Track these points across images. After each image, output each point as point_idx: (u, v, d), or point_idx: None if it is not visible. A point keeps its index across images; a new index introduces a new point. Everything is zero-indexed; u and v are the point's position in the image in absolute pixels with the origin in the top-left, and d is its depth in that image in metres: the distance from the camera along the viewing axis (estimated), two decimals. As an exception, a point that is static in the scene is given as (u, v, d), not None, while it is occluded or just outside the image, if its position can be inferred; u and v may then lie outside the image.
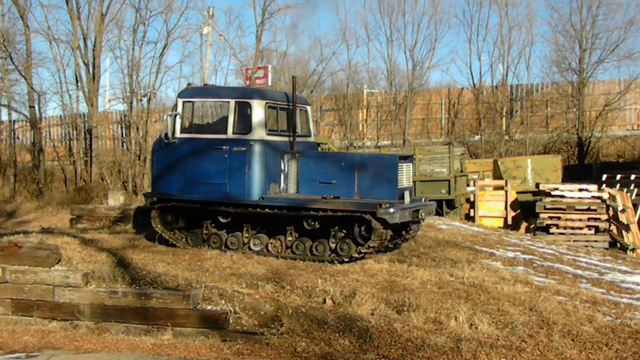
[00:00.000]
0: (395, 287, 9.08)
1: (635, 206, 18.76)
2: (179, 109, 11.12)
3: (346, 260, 10.30)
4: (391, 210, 9.89)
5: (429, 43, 32.85)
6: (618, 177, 21.14)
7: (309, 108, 12.12)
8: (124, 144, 30.67)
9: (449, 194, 18.20)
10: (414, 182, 15.78)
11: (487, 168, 22.02)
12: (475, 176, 20.64)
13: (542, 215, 17.42)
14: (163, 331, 8.18)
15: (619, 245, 17.22)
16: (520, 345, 7.30)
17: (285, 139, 11.18)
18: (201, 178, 10.85)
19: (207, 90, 11.87)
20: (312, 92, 32.32)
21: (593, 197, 17.48)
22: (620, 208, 17.64)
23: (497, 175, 21.46)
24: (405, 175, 10.69)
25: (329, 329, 7.67)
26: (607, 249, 16.52)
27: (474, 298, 8.72)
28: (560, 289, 9.65)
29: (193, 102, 11.23)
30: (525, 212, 18.85)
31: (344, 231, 10.48)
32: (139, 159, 28.13)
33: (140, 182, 27.64)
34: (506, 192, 19.12)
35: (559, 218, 17.32)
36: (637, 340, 7.60)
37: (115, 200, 15.79)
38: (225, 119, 10.85)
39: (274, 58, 34.84)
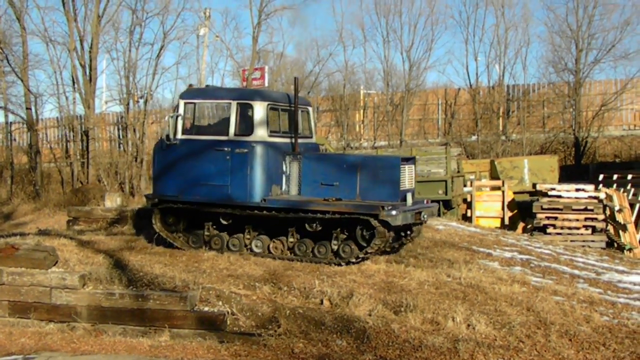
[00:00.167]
0: (393, 287, 9.08)
1: (632, 206, 18.77)
2: (181, 110, 11.10)
3: (348, 262, 10.27)
4: (393, 212, 9.87)
5: (425, 44, 32.99)
6: (615, 177, 21.15)
7: (310, 109, 12.11)
8: (121, 146, 30.68)
9: (446, 194, 18.20)
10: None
11: (484, 168, 22.03)
12: (472, 176, 20.65)
13: (539, 216, 17.42)
14: (160, 333, 8.17)
15: (616, 245, 17.23)
16: (517, 345, 7.30)
17: (287, 140, 11.16)
18: (202, 179, 10.83)
19: (208, 92, 11.83)
20: (309, 93, 32.33)
21: (590, 197, 17.49)
22: (617, 208, 17.66)
23: (494, 175, 21.48)
24: (408, 176, 10.67)
25: (327, 330, 7.67)
26: (604, 249, 16.52)
27: (471, 298, 8.73)
28: (558, 289, 9.66)
29: (195, 104, 11.21)
30: (522, 213, 18.85)
31: (346, 233, 10.45)
32: (136, 161, 28.13)
33: (137, 184, 27.64)
34: (503, 192, 19.12)
35: (556, 218, 17.32)
36: (634, 340, 7.61)
37: (112, 201, 15.77)
38: (226, 120, 10.84)
39: (271, 59, 34.91)
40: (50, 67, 30.73)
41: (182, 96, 11.41)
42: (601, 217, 17.23)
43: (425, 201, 11.35)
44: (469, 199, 19.22)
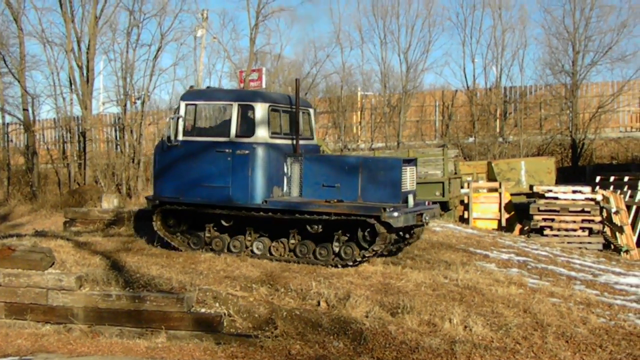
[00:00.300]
0: (390, 289, 9.08)
1: (628, 208, 18.81)
2: (182, 111, 11.08)
3: (350, 264, 10.26)
4: (395, 214, 9.86)
5: (422, 45, 32.95)
6: (611, 178, 21.19)
7: (311, 110, 12.09)
8: (118, 147, 30.62)
9: (443, 196, 18.20)
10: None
11: (481, 170, 22.04)
12: (469, 178, 20.67)
13: (536, 217, 17.45)
14: (157, 334, 8.16)
15: (612, 246, 17.27)
16: (514, 347, 7.30)
17: (288, 141, 11.15)
18: (204, 181, 10.81)
19: (209, 93, 11.80)
20: (306, 94, 32.31)
21: (587, 198, 17.52)
22: (613, 210, 17.68)
23: (491, 177, 21.49)
24: (409, 178, 10.65)
25: (323, 331, 7.67)
26: (600, 250, 16.55)
27: (468, 300, 8.73)
28: (554, 291, 9.67)
29: (196, 105, 11.20)
30: (519, 214, 18.87)
31: (347, 235, 10.43)
32: (133, 162, 28.09)
33: (134, 185, 27.59)
34: (500, 194, 19.15)
35: (552, 220, 17.35)
36: (631, 341, 7.62)
37: (109, 203, 15.75)
38: (228, 122, 10.82)
39: (268, 61, 34.88)
40: (48, 68, 30.82)
41: (182, 97, 11.39)
42: (598, 218, 17.26)
43: (426, 203, 11.34)
44: (466, 201, 19.24)
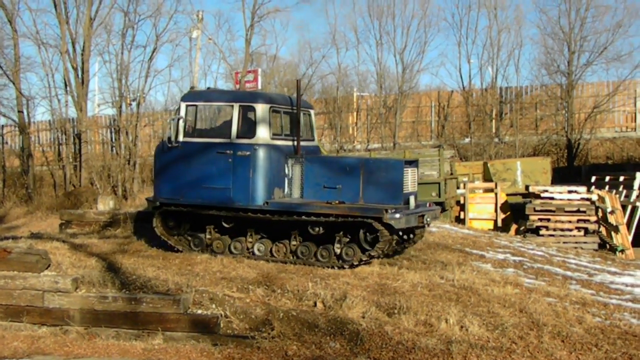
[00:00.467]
0: (386, 290, 9.09)
1: (624, 207, 18.87)
2: (182, 112, 11.04)
3: (350, 265, 10.24)
4: (397, 215, 9.85)
5: (418, 46, 33.00)
6: (607, 178, 21.27)
7: (312, 112, 12.07)
8: (114, 149, 30.60)
9: (439, 196, 18.23)
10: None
11: (477, 170, 22.10)
12: (465, 179, 20.71)
13: (531, 217, 17.50)
14: (154, 336, 8.15)
15: (608, 246, 17.32)
16: (510, 346, 7.32)
17: (289, 143, 11.12)
18: (204, 182, 10.77)
19: (210, 94, 11.76)
20: (302, 95, 32.32)
21: (582, 198, 17.57)
22: (609, 209, 17.74)
23: (487, 177, 21.54)
24: (411, 179, 10.63)
25: (320, 332, 7.67)
26: (596, 250, 16.60)
27: (464, 300, 8.75)
28: (550, 291, 9.69)
29: (196, 106, 11.17)
30: (515, 214, 18.92)
31: (349, 236, 10.41)
32: (129, 164, 28.07)
33: (130, 187, 27.57)
34: (496, 194, 19.18)
35: (548, 220, 17.40)
36: (626, 340, 7.64)
37: (105, 205, 15.73)
38: (229, 123, 10.79)
39: (264, 62, 34.91)
40: (42, 69, 30.62)
41: (183, 98, 11.37)
42: (593, 218, 17.32)
43: (427, 204, 11.34)
44: (462, 201, 19.28)
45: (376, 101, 33.32)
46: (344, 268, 10.24)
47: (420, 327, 7.76)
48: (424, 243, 12.57)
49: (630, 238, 18.20)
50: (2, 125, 34.07)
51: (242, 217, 10.74)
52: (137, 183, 27.81)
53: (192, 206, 11.00)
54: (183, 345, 7.94)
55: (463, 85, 31.97)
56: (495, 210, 19.10)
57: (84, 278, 8.94)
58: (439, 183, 18.33)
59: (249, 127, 10.71)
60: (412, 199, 10.42)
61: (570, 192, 17.74)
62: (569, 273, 11.51)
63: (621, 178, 20.71)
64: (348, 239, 10.41)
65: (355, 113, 33.92)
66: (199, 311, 8.22)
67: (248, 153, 10.52)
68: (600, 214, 17.74)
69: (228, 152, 10.63)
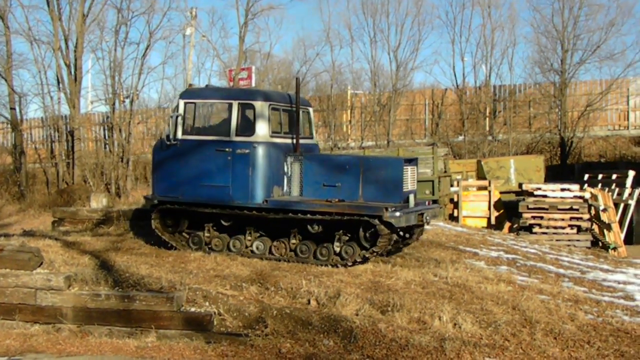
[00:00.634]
0: (380, 287, 9.09)
1: (616, 205, 18.94)
2: (181, 110, 10.98)
3: (350, 264, 10.22)
4: (397, 214, 9.83)
5: (412, 44, 33.06)
6: (600, 176, 21.34)
7: (311, 109, 12.03)
8: (107, 146, 30.49)
9: (433, 194, 18.24)
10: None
11: (471, 168, 22.12)
12: (458, 176, 20.72)
13: (525, 215, 17.55)
14: (147, 333, 8.14)
15: (600, 244, 17.39)
16: (503, 344, 7.34)
17: (288, 140, 11.08)
18: (203, 180, 10.72)
19: (209, 91, 11.72)
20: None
21: (575, 196, 17.63)
22: (602, 207, 17.80)
23: (480, 175, 21.57)
24: (410, 177, 10.61)
25: (314, 329, 7.67)
26: (589, 248, 16.67)
27: (457, 298, 8.76)
28: (543, 288, 9.72)
29: (195, 103, 11.11)
30: (509, 212, 18.96)
31: (348, 235, 10.38)
32: (122, 161, 27.99)
33: (123, 184, 27.50)
34: (489, 192, 19.22)
35: (541, 218, 17.45)
36: (618, 337, 7.67)
37: (98, 202, 15.68)
38: (228, 121, 10.74)
39: (258, 59, 34.85)
40: (35, 66, 30.52)
41: (182, 96, 11.31)
42: (586, 216, 17.39)
43: (427, 202, 11.32)
44: (455, 199, 19.30)
45: (370, 99, 33.33)
46: (346, 266, 10.20)
47: (413, 324, 7.77)
48: (417, 241, 12.58)
49: (622, 236, 18.27)
50: (-5, 123, 33.95)
51: (241, 215, 10.70)
52: (131, 181, 27.74)
53: (190, 204, 10.95)
54: (176, 343, 7.93)
55: (457, 83, 32.04)
56: (489, 208, 19.14)
57: (77, 276, 8.91)
58: (432, 181, 18.35)
59: (248, 124, 10.68)
60: (411, 197, 10.40)
61: (563, 190, 17.80)
62: (561, 270, 11.55)
63: (614, 176, 20.79)
64: (348, 238, 10.38)
65: (349, 111, 33.92)
66: (193, 309, 8.21)
67: (247, 151, 10.48)
68: (593, 211, 17.81)
69: (227, 149, 10.58)
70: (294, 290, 8.74)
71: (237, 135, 10.60)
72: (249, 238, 10.93)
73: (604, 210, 17.78)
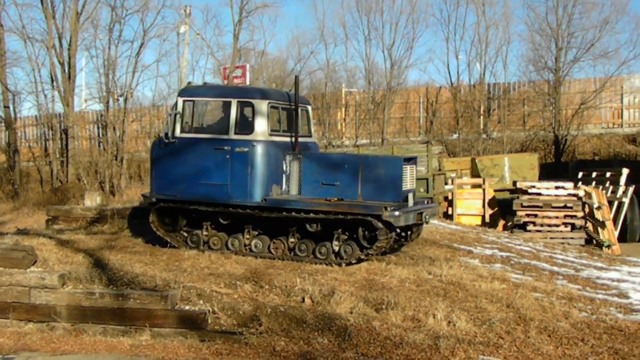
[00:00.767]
0: (374, 285, 9.10)
1: (610, 203, 18.97)
2: (179, 108, 10.93)
3: (349, 263, 10.19)
4: (397, 213, 9.81)
5: (406, 42, 32.99)
6: (594, 174, 21.37)
7: (309, 108, 11.99)
8: (101, 144, 30.39)
9: (427, 192, 18.26)
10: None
11: (465, 166, 22.14)
12: (453, 174, 20.77)
13: (519, 213, 17.57)
14: (141, 332, 8.13)
15: (594, 242, 17.43)
16: (497, 341, 7.35)
17: (287, 139, 11.04)
18: (202, 179, 10.69)
19: (208, 89, 11.68)
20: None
21: (569, 194, 17.67)
22: (596, 205, 17.83)
23: (474, 173, 21.60)
24: (410, 177, 10.58)
25: (308, 327, 7.67)
26: (583, 245, 16.70)
27: (452, 295, 8.78)
28: (537, 286, 9.74)
29: (193, 101, 11.05)
30: (503, 210, 18.99)
31: (347, 234, 10.35)
32: (116, 159, 27.89)
33: (117, 183, 27.40)
34: (484, 190, 19.24)
35: (535, 215, 17.48)
36: (612, 335, 7.70)
37: (92, 200, 15.64)
38: (227, 119, 10.69)
39: (252, 57, 34.78)
40: (29, 64, 30.39)
41: (180, 94, 11.27)
42: (580, 214, 17.42)
43: (425, 201, 11.30)
44: (450, 197, 19.33)
45: (364, 97, 33.32)
46: (345, 265, 10.18)
47: (408, 322, 7.78)
48: (415, 240, 12.59)
49: (616, 233, 18.31)
50: (-12, 121, 33.77)
51: (239, 214, 10.66)
52: (125, 179, 27.64)
53: (188, 202, 10.92)
54: (171, 341, 7.92)
55: (451, 81, 32.04)
56: (483, 206, 19.18)
57: (71, 274, 8.89)
58: (427, 179, 18.37)
59: (246, 122, 10.65)
60: (410, 197, 10.38)
61: (557, 188, 17.83)
62: (555, 268, 11.57)
63: (608, 174, 20.83)
64: (346, 237, 10.36)
65: (343, 109, 33.90)
66: (187, 307, 8.21)
67: (246, 149, 10.45)
68: (587, 209, 17.85)
69: (226, 148, 10.55)
70: (288, 289, 8.74)
71: (235, 133, 10.56)
72: (248, 237, 10.90)
73: (598, 208, 17.82)
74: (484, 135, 29.67)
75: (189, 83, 11.79)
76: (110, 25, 28.73)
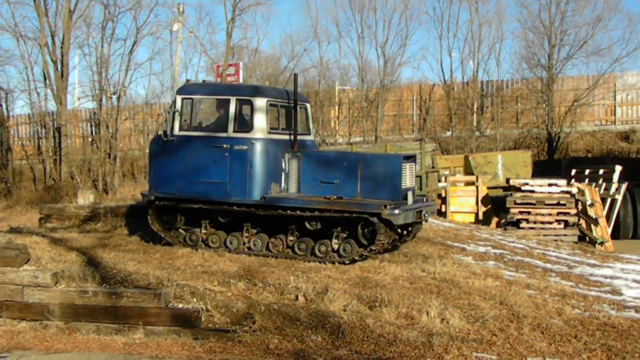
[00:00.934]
0: (368, 283, 9.11)
1: (603, 200, 19.04)
2: (178, 105, 10.90)
3: (348, 261, 10.19)
4: (396, 211, 9.81)
5: (400, 40, 32.95)
6: (587, 171, 21.42)
7: (308, 106, 11.99)
8: (94, 142, 30.32)
9: (421, 189, 18.27)
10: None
11: (458, 164, 22.16)
12: (446, 172, 20.77)
13: (512, 210, 17.60)
14: (134, 330, 8.11)
15: (587, 239, 17.48)
16: (491, 338, 7.37)
17: (286, 137, 11.02)
18: (201, 177, 10.67)
19: (206, 87, 11.67)
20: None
21: (562, 191, 17.72)
22: (589, 202, 17.89)
23: (468, 170, 21.62)
24: (409, 175, 10.57)
25: (302, 325, 7.67)
26: (576, 242, 16.74)
27: (445, 293, 8.79)
28: (530, 283, 9.76)
29: (192, 99, 11.00)
30: (496, 207, 19.02)
31: (346, 232, 10.34)
32: (109, 157, 27.83)
33: (110, 181, 27.34)
34: (477, 187, 19.27)
35: (529, 213, 17.52)
36: (605, 332, 7.72)
37: (85, 199, 15.61)
38: (225, 117, 10.67)
39: (245, 55, 34.72)
40: (21, 62, 30.30)
41: (179, 91, 11.25)
42: (573, 211, 17.47)
43: (424, 199, 11.29)
44: (443, 194, 19.35)
45: (358, 95, 33.30)
46: (344, 264, 10.16)
47: (401, 319, 7.79)
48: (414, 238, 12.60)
49: (609, 230, 18.38)
50: (-19, 119, 33.62)
51: (238, 212, 10.64)
52: (118, 177, 27.59)
53: (187, 200, 10.90)
54: (164, 339, 7.90)
55: (444, 78, 32.06)
56: (477, 204, 19.21)
57: (64, 272, 8.87)
58: (420, 176, 18.36)
59: (246, 121, 10.64)
60: (410, 195, 10.38)
61: (550, 185, 17.88)
62: (549, 265, 11.60)
63: (601, 171, 20.88)
64: (346, 235, 10.36)
65: (337, 107, 33.88)
66: (180, 305, 8.19)
67: (245, 147, 10.43)
68: (580, 206, 17.90)
69: (225, 146, 10.53)
70: (281, 286, 8.74)
71: (234, 131, 10.54)
72: (246, 235, 10.89)
73: (591, 205, 17.88)
74: (477, 133, 29.72)
75: (187, 81, 11.75)
76: (103, 23, 28.68)
